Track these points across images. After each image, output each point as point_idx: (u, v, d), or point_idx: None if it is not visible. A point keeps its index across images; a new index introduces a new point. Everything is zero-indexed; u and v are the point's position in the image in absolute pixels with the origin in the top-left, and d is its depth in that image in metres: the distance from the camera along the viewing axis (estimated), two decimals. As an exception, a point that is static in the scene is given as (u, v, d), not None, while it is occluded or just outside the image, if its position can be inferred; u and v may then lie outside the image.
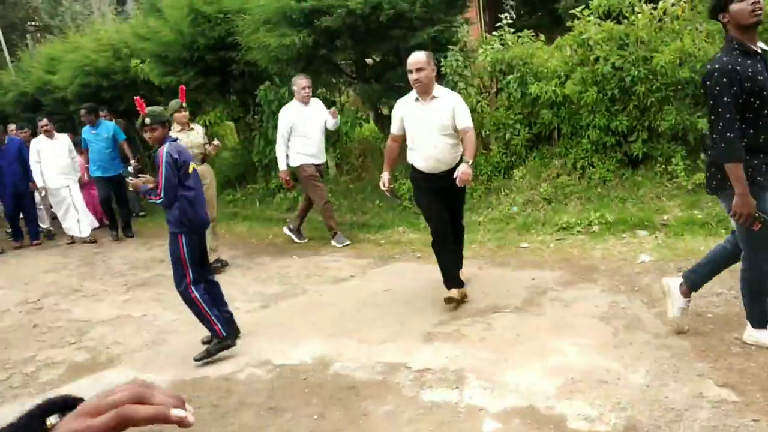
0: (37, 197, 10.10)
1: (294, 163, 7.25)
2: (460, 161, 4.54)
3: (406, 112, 4.80)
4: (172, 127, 6.04)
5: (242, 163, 10.68)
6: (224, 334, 4.49)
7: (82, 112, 9.29)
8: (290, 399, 3.82)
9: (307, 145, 7.22)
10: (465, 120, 4.60)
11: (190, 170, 4.51)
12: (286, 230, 7.68)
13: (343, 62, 8.44)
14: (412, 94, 4.75)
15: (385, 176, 4.97)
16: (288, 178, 7.39)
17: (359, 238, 7.21)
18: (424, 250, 6.27)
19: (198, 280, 4.55)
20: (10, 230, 10.22)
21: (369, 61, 8.47)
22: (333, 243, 7.06)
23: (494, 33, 7.35)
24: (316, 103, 7.48)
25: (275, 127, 9.23)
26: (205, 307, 4.48)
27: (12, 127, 11.95)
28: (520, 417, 3.23)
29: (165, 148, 4.35)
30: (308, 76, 7.35)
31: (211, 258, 5.68)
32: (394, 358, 4.10)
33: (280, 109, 9.08)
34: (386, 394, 3.69)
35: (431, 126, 4.64)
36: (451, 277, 4.84)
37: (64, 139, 9.66)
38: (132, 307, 6.11)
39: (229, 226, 8.80)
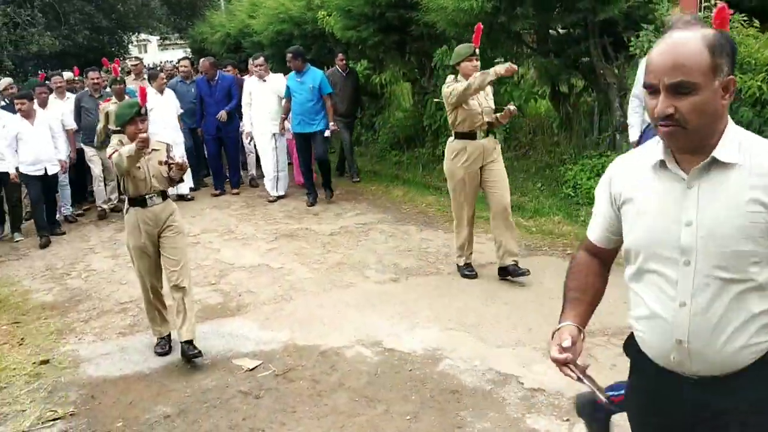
0: (246, 142, 9.16)
1: None
2: None
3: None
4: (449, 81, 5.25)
5: (412, 126, 10.54)
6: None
7: (288, 56, 8.16)
8: (389, 390, 3.63)
9: None
10: None
11: None
12: None
13: (523, 30, 7.89)
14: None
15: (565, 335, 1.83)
16: None
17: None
18: (576, 246, 5.75)
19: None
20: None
21: (552, 32, 7.85)
22: None
23: (699, 13, 6.42)
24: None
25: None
26: None
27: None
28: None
29: None
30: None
31: (507, 261, 5.05)
32: (508, 367, 3.75)
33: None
34: (489, 408, 3.37)
35: None
36: None
37: (277, 82, 8.51)
38: (273, 257, 6.24)
39: (387, 189, 8.73)
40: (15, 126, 7.45)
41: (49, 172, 7.65)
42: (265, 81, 8.47)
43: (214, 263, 6.16)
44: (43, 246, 7.35)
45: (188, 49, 25.54)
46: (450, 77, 5.35)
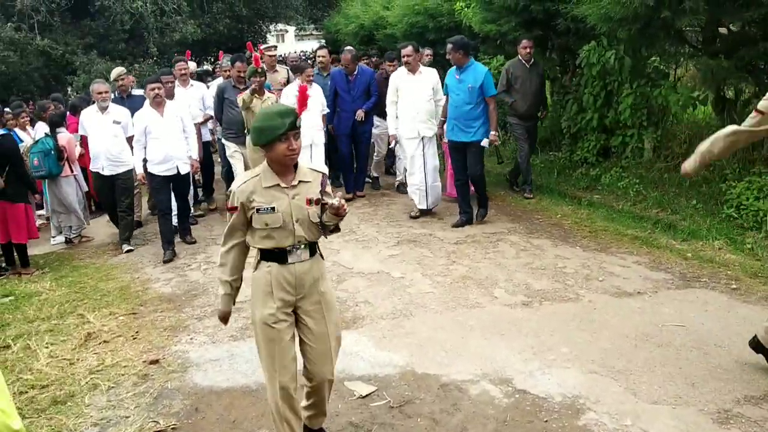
0: (393, 146, 8.36)
1: None
2: None
3: None
4: None
5: (548, 127, 9.83)
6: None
7: (449, 46, 6.83)
8: (519, 444, 3.12)
9: None
10: None
11: None
12: None
13: (688, 28, 7.00)
14: None
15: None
16: None
17: (659, 243, 6.00)
18: (744, 280, 4.95)
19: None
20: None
21: (722, 30, 6.90)
22: None
23: None
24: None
25: (592, 93, 8.27)
26: None
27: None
28: None
29: None
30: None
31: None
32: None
33: (601, 73, 8.06)
34: (643, 484, 2.78)
35: None
36: None
37: (429, 77, 7.29)
38: (394, 264, 5.84)
39: (517, 195, 8.12)
40: (144, 118, 6.63)
41: (182, 172, 6.78)
42: (414, 75, 7.26)
43: (331, 266, 5.84)
44: (167, 261, 6.46)
45: (323, 40, 25.83)
46: None
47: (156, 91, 6.58)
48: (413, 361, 4.01)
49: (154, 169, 6.66)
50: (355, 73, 8.19)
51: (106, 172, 6.98)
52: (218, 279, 3.04)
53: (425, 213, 7.43)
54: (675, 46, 7.39)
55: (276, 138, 2.72)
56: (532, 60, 7.87)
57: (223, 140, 7.98)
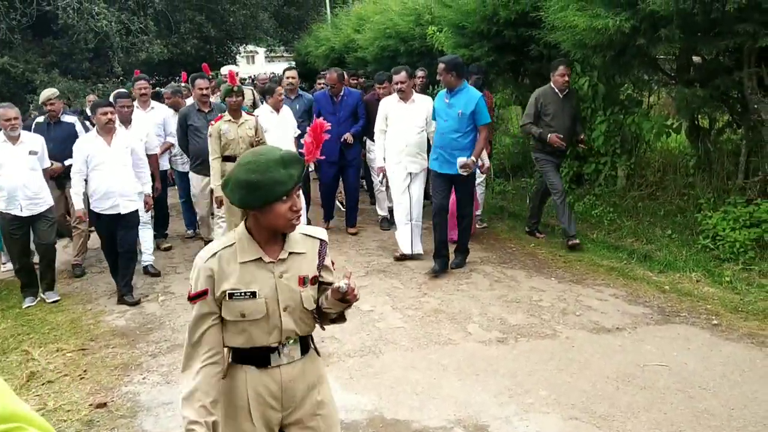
0: (377, 180, 7.57)
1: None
2: None
3: None
4: None
5: (521, 153, 9.72)
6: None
7: (440, 66, 5.97)
8: (498, 502, 2.86)
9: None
10: None
11: None
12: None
13: (662, 56, 6.94)
14: None
15: None
16: None
17: (636, 274, 5.84)
18: (724, 316, 4.80)
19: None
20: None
21: (696, 59, 6.85)
22: None
23: None
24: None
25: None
26: None
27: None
28: None
29: None
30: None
31: None
32: (655, 488, 2.90)
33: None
34: None
35: None
36: None
37: (423, 106, 6.50)
38: (363, 296, 5.51)
39: (490, 222, 7.93)
40: (87, 146, 5.66)
41: (123, 211, 5.72)
42: (407, 103, 6.50)
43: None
44: (133, 304, 5.70)
45: (293, 62, 25.70)
46: None
47: (108, 116, 5.60)
48: (382, 405, 3.74)
49: (95, 206, 5.73)
50: (341, 94, 7.55)
51: (25, 213, 5.75)
52: (186, 424, 1.93)
53: (416, 258, 6.59)
54: (649, 74, 7.34)
55: (278, 198, 1.93)
56: (568, 89, 6.78)
57: (191, 173, 7.05)
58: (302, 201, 1.62)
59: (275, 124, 6.84)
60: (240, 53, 27.48)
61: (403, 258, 6.55)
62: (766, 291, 5.20)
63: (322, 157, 2.43)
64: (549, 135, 6.54)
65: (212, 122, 6.23)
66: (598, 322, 4.81)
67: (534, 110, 6.75)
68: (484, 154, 6.65)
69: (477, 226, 7.27)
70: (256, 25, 21.76)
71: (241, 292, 1.98)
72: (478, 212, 7.51)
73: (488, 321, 4.91)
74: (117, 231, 5.77)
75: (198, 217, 7.31)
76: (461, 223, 6.26)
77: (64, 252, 7.47)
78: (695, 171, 7.14)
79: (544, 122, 6.69)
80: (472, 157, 5.81)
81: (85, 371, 4.45)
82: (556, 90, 6.72)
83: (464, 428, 3.44)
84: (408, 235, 6.54)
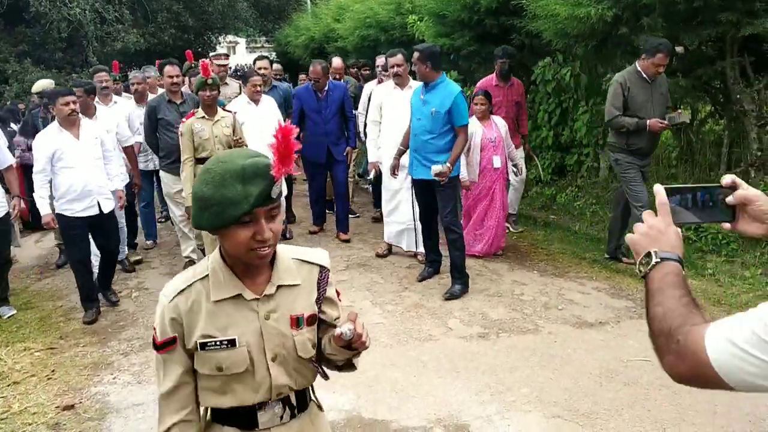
0: (369, 177, 7.22)
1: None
2: None
3: None
4: None
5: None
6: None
7: (415, 56, 5.09)
8: (478, 506, 2.76)
9: None
10: None
11: None
12: None
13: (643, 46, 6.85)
14: None
15: None
16: None
17: (618, 267, 5.78)
18: (708, 309, 4.71)
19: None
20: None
21: (679, 49, 6.77)
22: None
23: None
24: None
25: (547, 111, 8.09)
26: None
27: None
28: None
29: None
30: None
31: None
32: (639, 489, 2.81)
33: (557, 90, 7.89)
34: None
35: None
36: None
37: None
38: (342, 291, 5.42)
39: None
40: (51, 142, 4.92)
41: (105, 210, 5.13)
42: (403, 90, 5.93)
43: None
44: (91, 322, 5.07)
45: (273, 53, 25.42)
46: None
47: (71, 106, 4.89)
48: (360, 405, 3.63)
49: (65, 209, 4.99)
50: (326, 89, 6.71)
51: None
52: None
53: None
54: (632, 64, 7.25)
55: (233, 220, 1.44)
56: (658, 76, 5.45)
57: (162, 172, 6.24)
58: (279, 222, 1.37)
59: (253, 117, 6.17)
60: (220, 43, 27.11)
61: (385, 255, 6.38)
62: (749, 283, 5.17)
63: (297, 173, 2.08)
64: (649, 121, 5.30)
65: (185, 118, 5.51)
66: (581, 316, 4.73)
67: (621, 98, 5.44)
68: (518, 153, 6.42)
69: (511, 228, 6.93)
70: (235, 14, 21.47)
71: (216, 342, 1.53)
72: (514, 212, 7.06)
73: (469, 316, 4.81)
74: (96, 235, 5.24)
75: (175, 216, 6.27)
76: (448, 240, 5.35)
77: (36, 246, 7.29)
78: (678, 162, 7.10)
79: (628, 115, 5.44)
80: (447, 164, 4.98)
81: (53, 371, 4.30)
82: (645, 76, 5.42)
83: (444, 428, 3.34)
84: (413, 234, 6.10)
